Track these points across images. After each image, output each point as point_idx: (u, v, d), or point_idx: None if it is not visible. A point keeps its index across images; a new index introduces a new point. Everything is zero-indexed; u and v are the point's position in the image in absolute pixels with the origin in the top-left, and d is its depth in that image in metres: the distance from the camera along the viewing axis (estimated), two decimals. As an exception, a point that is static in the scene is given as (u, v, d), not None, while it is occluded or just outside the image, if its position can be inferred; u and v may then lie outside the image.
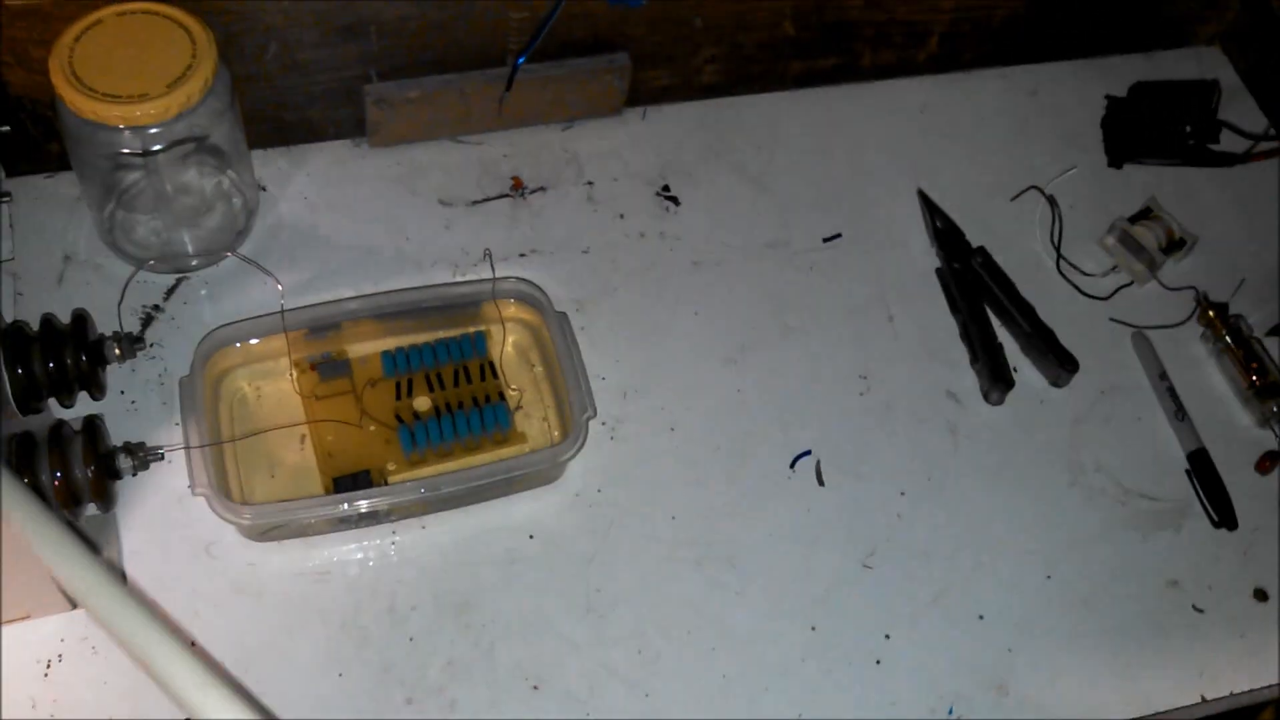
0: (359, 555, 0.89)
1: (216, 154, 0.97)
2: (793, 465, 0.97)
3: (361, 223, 1.05)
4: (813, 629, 0.90)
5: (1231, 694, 0.92)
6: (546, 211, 1.08)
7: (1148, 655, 0.93)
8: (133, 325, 0.96)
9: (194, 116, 0.89)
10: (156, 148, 0.89)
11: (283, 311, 0.91)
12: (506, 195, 1.08)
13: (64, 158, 0.95)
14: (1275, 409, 1.03)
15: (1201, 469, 1.01)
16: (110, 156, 0.91)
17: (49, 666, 0.82)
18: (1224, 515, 0.99)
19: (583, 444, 0.90)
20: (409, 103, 1.05)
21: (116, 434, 0.86)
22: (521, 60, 1.04)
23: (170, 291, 0.98)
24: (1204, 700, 0.91)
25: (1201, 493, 1.00)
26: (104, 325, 0.90)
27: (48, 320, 0.85)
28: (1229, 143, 1.20)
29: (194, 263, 0.99)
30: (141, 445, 0.84)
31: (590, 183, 1.10)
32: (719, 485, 0.96)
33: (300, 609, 0.86)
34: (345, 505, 0.85)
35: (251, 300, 0.98)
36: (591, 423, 0.93)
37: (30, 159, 1.02)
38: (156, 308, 0.97)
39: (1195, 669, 0.93)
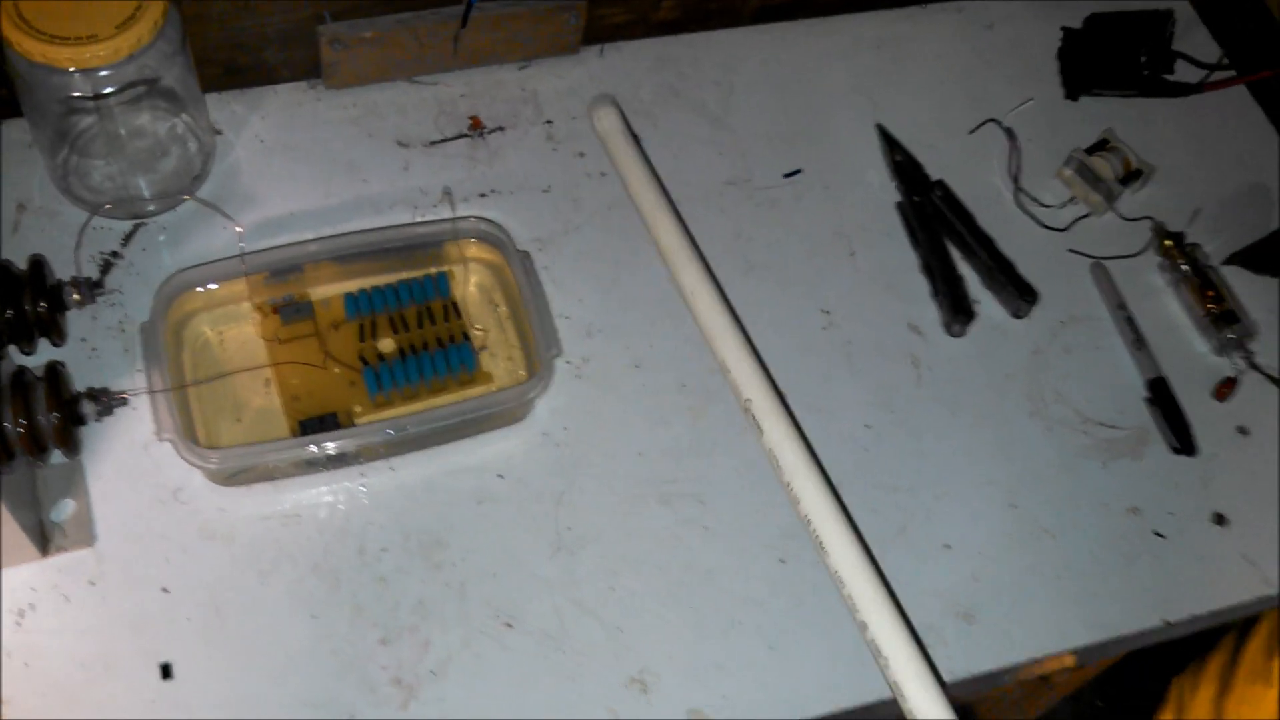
0: (328, 498, 0.89)
1: (169, 97, 0.95)
2: (758, 400, 0.98)
3: (319, 165, 1.03)
4: (781, 561, 0.91)
5: (1192, 617, 0.94)
6: (506, 151, 1.07)
7: (1110, 581, 0.94)
8: (91, 272, 0.94)
9: (145, 58, 0.87)
10: (107, 90, 0.87)
11: (242, 255, 0.90)
12: (465, 135, 1.07)
13: (14, 103, 0.93)
14: (1232, 336, 1.05)
15: (1161, 396, 1.02)
16: (61, 100, 0.89)
17: (21, 616, 0.81)
18: (1183, 442, 1.00)
19: (549, 383, 0.90)
20: (364, 43, 1.03)
21: (79, 381, 0.85)
22: (476, -2, 1.03)
23: (128, 237, 0.97)
24: (1165, 624, 0.93)
25: (1161, 420, 1.02)
26: (62, 274, 0.88)
27: (4, 266, 0.84)
28: (1184, 73, 1.21)
29: (151, 207, 0.98)
30: (105, 390, 0.83)
31: (549, 122, 1.09)
32: (685, 422, 0.96)
33: (271, 552, 0.86)
34: (313, 448, 0.84)
35: (211, 245, 0.97)
36: (557, 362, 0.93)
37: (-21, 104, 1.00)
38: (115, 254, 0.96)
39: (1157, 593, 0.94)
